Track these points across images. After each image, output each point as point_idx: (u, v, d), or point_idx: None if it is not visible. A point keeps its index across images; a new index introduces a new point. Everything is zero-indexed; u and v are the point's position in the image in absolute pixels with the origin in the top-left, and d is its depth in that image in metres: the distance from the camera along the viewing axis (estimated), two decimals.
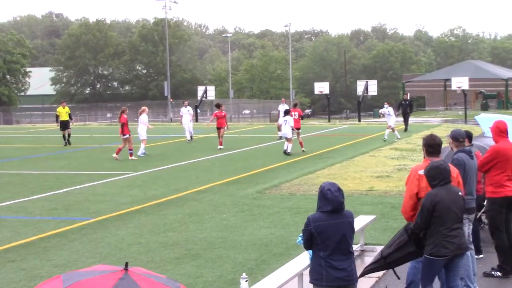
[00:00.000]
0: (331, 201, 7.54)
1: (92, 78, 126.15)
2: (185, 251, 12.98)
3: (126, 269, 4.21)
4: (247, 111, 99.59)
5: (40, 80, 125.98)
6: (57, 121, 39.38)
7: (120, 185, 22.18)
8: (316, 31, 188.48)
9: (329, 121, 65.22)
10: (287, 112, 31.77)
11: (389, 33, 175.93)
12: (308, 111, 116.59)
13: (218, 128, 33.91)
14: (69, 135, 37.78)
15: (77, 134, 37.60)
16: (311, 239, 7.62)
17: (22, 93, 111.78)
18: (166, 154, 32.03)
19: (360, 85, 66.45)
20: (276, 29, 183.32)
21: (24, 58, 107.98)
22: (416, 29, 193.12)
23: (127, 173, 24.85)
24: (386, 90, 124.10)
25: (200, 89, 72.72)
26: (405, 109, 45.07)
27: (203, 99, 72.03)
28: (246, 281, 8.09)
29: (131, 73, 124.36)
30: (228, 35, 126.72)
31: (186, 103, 40.26)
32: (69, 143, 37.32)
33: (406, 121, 45.09)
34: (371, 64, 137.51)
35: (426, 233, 8.75)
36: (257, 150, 33.60)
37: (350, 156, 28.82)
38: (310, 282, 7.88)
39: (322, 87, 67.17)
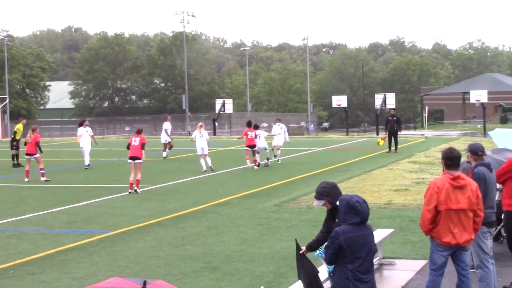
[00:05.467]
0: (360, 213, 7.51)
1: (110, 91, 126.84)
2: (203, 264, 12.99)
3: (144, 287, 4.13)
4: (265, 124, 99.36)
5: (59, 94, 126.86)
6: (14, 139, 34.44)
7: (139, 198, 22.25)
8: (334, 44, 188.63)
9: (347, 134, 65.17)
10: (256, 127, 32.40)
11: (407, 46, 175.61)
12: (326, 124, 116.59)
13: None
14: (17, 156, 33.73)
15: (96, 147, 37.52)
16: (338, 252, 7.58)
17: (42, 107, 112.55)
18: (184, 168, 32.09)
19: (378, 98, 66.30)
20: (294, 43, 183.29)
21: (43, 72, 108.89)
22: (434, 42, 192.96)
23: (145, 186, 24.91)
24: (404, 104, 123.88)
25: (218, 103, 72.98)
26: (393, 126, 38.49)
27: (221, 112, 72.23)
28: None
29: (149, 87, 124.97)
30: (246, 48, 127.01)
31: (86, 122, 34.33)
32: (20, 165, 32.93)
33: (395, 141, 38.48)
34: (388, 77, 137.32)
35: None
36: (274, 163, 33.58)
37: (368, 170, 28.76)
38: None
39: (340, 101, 67.31)
